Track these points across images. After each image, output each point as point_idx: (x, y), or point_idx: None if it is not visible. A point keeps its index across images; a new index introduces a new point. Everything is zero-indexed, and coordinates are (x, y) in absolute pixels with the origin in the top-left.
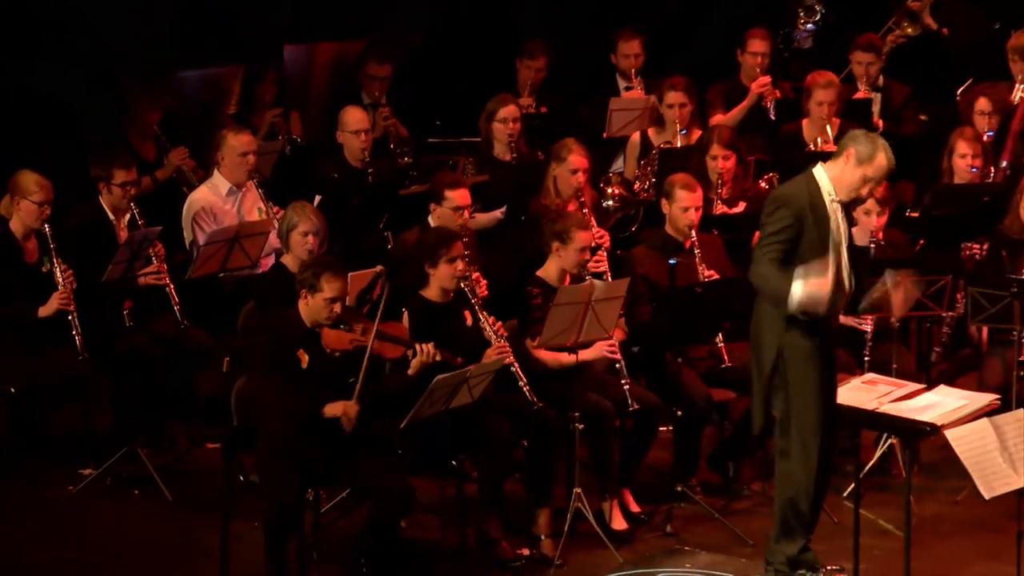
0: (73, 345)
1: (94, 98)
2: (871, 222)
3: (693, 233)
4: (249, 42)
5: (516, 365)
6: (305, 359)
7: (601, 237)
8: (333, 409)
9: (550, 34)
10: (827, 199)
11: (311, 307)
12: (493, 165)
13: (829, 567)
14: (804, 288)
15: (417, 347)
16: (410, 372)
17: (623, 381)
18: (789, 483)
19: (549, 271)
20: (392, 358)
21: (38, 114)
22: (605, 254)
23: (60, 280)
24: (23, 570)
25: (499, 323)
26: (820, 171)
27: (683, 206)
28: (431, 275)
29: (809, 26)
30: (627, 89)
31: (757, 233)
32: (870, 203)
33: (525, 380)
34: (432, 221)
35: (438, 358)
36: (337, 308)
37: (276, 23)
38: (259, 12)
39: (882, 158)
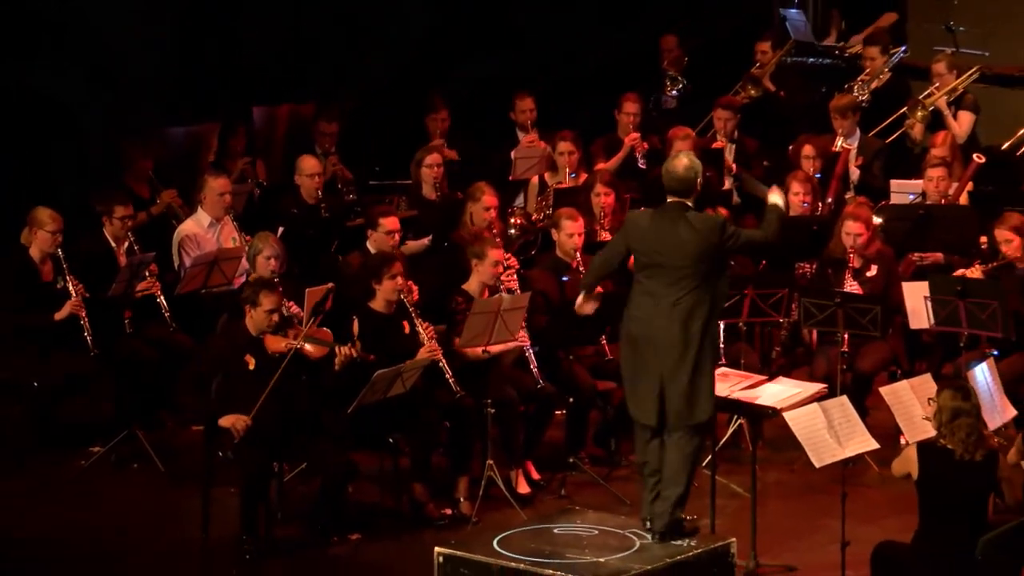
0: (81, 347)
1: (94, 98)
2: None
3: (578, 255)
4: (224, 104)
5: (444, 362)
6: (252, 362)
7: (509, 259)
8: (225, 421)
9: (463, 94)
10: None
11: (255, 319)
12: (422, 202)
13: (688, 517)
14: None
15: (337, 348)
16: (336, 368)
17: (532, 367)
18: (698, 458)
19: (471, 285)
20: (319, 356)
21: (38, 114)
22: (515, 272)
23: (72, 291)
24: (43, 531)
25: (430, 328)
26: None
27: (569, 233)
28: (377, 290)
29: (673, 92)
30: (523, 136)
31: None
32: None
33: (451, 373)
34: (370, 245)
35: (355, 356)
36: (275, 318)
37: (246, 89)
38: (232, 80)
39: None
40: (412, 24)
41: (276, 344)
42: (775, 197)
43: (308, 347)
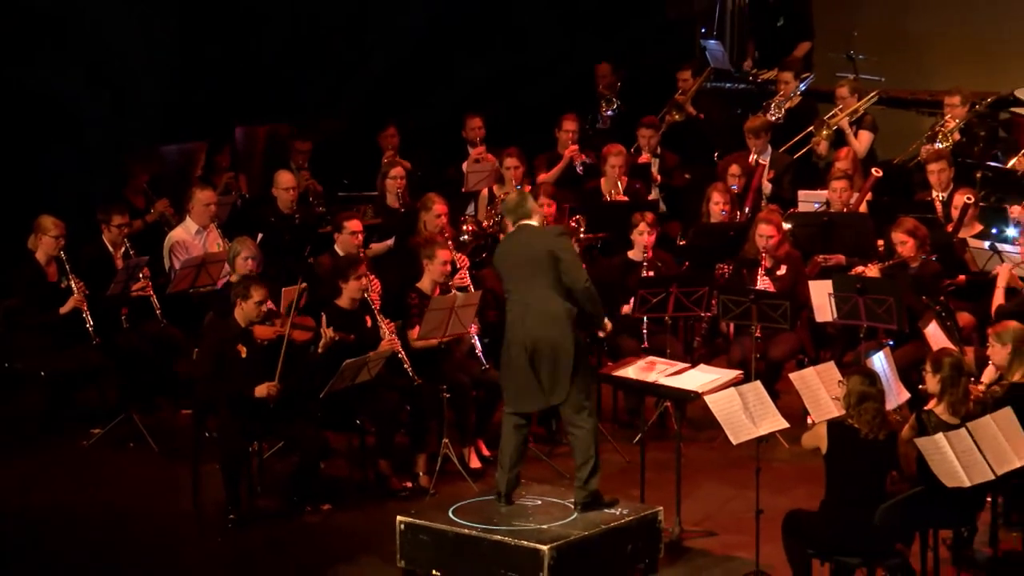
0: (85, 341)
1: (94, 98)
2: (643, 240)
3: None
4: (210, 124)
5: (402, 353)
6: (244, 351)
7: (462, 260)
8: (260, 390)
9: (415, 115)
10: None
11: (245, 310)
12: (386, 210)
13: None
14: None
15: (322, 331)
16: (319, 350)
17: (478, 352)
18: (596, 434)
19: (424, 283)
20: (305, 340)
21: (38, 114)
22: (467, 273)
23: (75, 289)
24: (52, 501)
25: (391, 323)
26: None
27: None
28: (344, 288)
29: (608, 112)
30: (473, 150)
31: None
32: (642, 226)
33: (409, 363)
34: (337, 247)
35: (336, 337)
36: (264, 309)
37: (229, 111)
38: (217, 104)
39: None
40: (374, 60)
41: (265, 332)
42: (607, 323)
43: (294, 332)
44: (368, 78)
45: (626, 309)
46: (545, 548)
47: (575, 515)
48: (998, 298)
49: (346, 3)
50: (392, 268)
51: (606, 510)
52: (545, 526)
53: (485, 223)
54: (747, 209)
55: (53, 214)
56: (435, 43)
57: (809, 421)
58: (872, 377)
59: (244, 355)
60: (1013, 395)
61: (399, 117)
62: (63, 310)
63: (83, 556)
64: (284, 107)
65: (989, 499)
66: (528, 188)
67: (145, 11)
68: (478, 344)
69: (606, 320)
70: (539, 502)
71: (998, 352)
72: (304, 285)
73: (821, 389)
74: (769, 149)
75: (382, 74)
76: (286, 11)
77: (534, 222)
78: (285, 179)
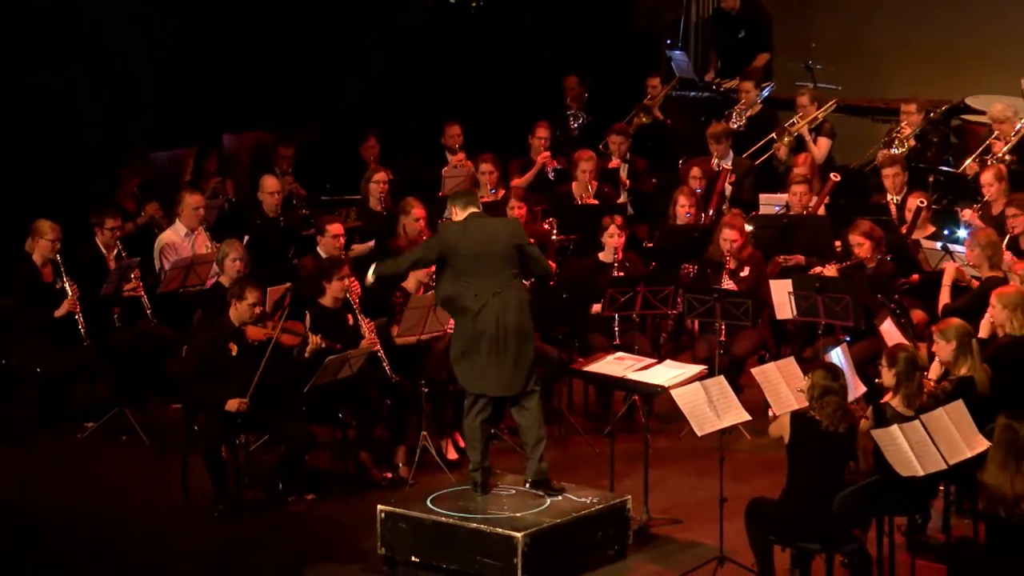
0: (79, 341)
1: (94, 98)
2: (614, 242)
3: None
4: (199, 131)
5: (381, 351)
6: (235, 349)
7: None
8: (231, 405)
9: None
10: None
11: (239, 310)
12: (369, 214)
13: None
14: None
15: (309, 337)
16: (306, 355)
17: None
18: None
19: (409, 283)
20: (293, 345)
21: (38, 114)
22: None
23: (69, 291)
24: (49, 492)
25: (371, 322)
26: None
27: None
28: (327, 288)
29: (575, 125)
30: (452, 156)
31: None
32: (612, 228)
33: (387, 361)
34: (320, 249)
35: (323, 345)
36: (257, 310)
37: (217, 119)
38: (205, 112)
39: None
40: (348, 90)
41: (256, 333)
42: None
43: (284, 337)
44: (368, 78)
45: (596, 308)
46: (519, 535)
47: (547, 503)
48: (944, 296)
49: (346, 3)
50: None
51: (563, 495)
52: (519, 514)
53: None
54: (711, 212)
55: (53, 213)
56: (435, 43)
57: (770, 414)
58: (835, 373)
59: (235, 352)
60: (961, 388)
61: (378, 128)
62: (58, 313)
63: (76, 543)
64: (284, 107)
65: (942, 488)
66: (502, 192)
67: (145, 11)
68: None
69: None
70: (513, 491)
71: (943, 348)
72: (288, 285)
73: (782, 383)
74: (731, 154)
75: (382, 74)
76: (286, 11)
77: (479, 210)
78: (270, 183)
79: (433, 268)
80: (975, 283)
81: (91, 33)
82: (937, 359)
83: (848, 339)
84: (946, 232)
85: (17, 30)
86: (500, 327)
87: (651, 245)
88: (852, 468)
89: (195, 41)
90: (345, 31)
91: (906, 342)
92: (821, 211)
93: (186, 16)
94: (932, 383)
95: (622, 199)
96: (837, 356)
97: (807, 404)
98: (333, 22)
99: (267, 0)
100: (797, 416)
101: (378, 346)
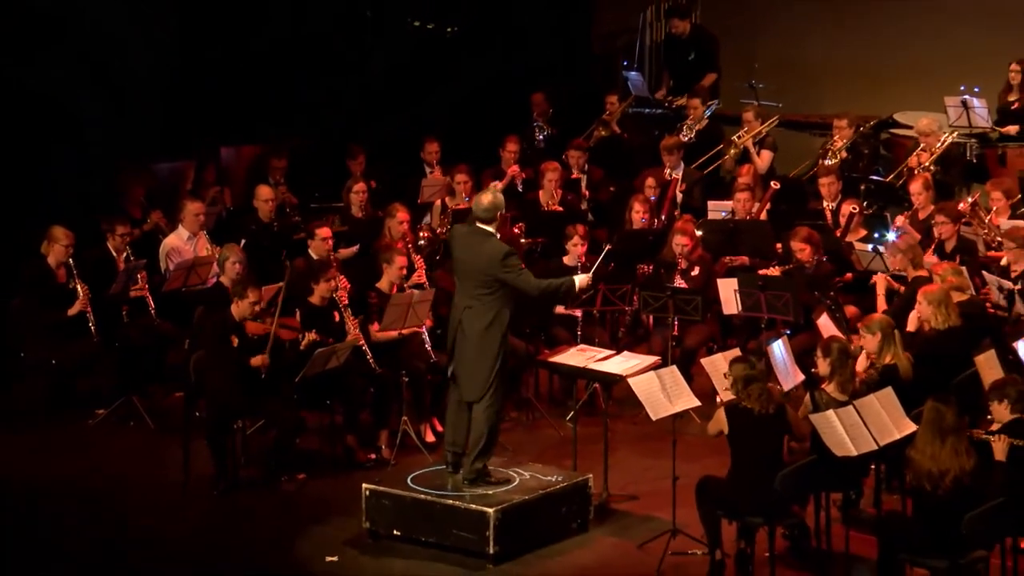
0: (88, 336)
1: (94, 99)
2: (578, 250)
3: None
4: (199, 144)
5: (365, 345)
6: (236, 341)
7: (419, 262)
8: (256, 360)
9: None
10: None
11: (240, 307)
12: (351, 220)
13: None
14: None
15: (304, 333)
16: (301, 348)
17: (426, 345)
18: (495, 419)
19: (383, 283)
20: (289, 339)
21: (38, 115)
22: (424, 273)
23: (80, 292)
24: (61, 475)
25: (355, 319)
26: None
27: None
28: (315, 288)
29: (540, 137)
30: (430, 171)
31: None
32: (576, 238)
33: (370, 353)
34: (311, 252)
35: (317, 339)
36: (257, 308)
37: (215, 133)
38: (205, 126)
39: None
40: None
41: (255, 328)
42: (580, 280)
43: (281, 331)
44: (368, 78)
45: (560, 308)
46: (491, 511)
47: (516, 482)
48: (880, 305)
49: (346, 3)
50: (356, 270)
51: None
52: (491, 492)
53: (439, 230)
54: (663, 217)
55: (53, 213)
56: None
57: (718, 400)
58: (751, 362)
59: (236, 344)
60: (887, 375)
61: (363, 141)
62: (71, 312)
63: (86, 517)
64: (284, 107)
65: (873, 467)
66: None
67: (145, 11)
68: (427, 338)
69: (576, 279)
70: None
71: (869, 341)
72: (281, 285)
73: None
74: (682, 165)
75: (382, 74)
76: (286, 11)
77: (491, 228)
78: (264, 192)
79: (404, 271)
80: (903, 288)
81: (91, 33)
82: (864, 351)
83: (788, 332)
84: (876, 235)
85: (17, 30)
86: (461, 338)
87: (609, 248)
88: (793, 448)
89: (195, 41)
90: (345, 30)
91: (840, 335)
92: (763, 216)
93: (186, 16)
94: (861, 372)
95: (584, 207)
96: (778, 347)
97: (735, 397)
98: (333, 22)
99: (267, 0)
100: (730, 409)
101: (363, 340)
